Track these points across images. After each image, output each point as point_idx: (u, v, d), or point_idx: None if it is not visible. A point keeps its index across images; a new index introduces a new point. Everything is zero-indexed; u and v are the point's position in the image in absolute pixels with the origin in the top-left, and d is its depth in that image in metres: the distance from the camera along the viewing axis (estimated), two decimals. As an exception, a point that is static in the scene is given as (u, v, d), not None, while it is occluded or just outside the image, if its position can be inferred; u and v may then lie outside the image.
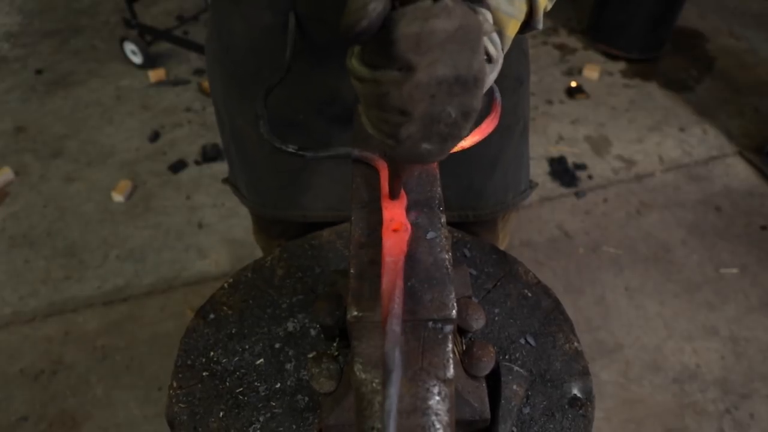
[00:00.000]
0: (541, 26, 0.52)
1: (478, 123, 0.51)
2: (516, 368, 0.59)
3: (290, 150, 0.57)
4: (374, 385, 0.44)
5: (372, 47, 0.35)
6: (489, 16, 0.46)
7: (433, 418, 0.42)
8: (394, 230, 0.48)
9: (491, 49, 0.46)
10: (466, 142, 0.54)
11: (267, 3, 0.68)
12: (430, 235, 0.48)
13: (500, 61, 0.48)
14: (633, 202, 2.14)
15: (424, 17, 0.32)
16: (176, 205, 2.16)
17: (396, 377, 0.35)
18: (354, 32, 0.31)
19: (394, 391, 0.34)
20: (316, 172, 0.84)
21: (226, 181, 1.02)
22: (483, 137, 0.55)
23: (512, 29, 0.49)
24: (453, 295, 0.45)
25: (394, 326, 0.37)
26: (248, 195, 0.93)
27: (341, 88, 0.72)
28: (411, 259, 0.47)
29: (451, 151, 0.49)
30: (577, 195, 2.16)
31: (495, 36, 0.47)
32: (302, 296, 0.71)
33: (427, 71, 0.33)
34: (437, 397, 0.43)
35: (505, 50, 0.49)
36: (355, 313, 0.45)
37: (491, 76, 0.47)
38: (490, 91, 0.56)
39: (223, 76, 0.82)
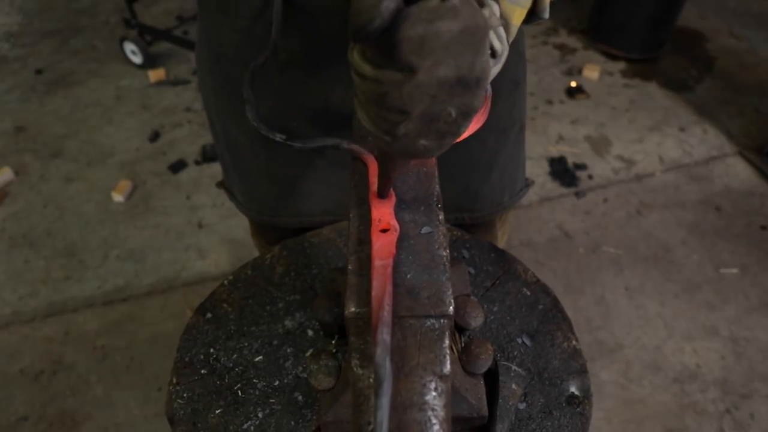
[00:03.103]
0: (547, 15, 0.51)
1: None
2: (515, 368, 0.59)
3: (278, 139, 0.55)
4: (371, 380, 0.44)
5: (374, 45, 0.33)
6: (496, 9, 0.45)
7: (429, 413, 0.42)
8: (382, 230, 0.47)
9: (496, 44, 0.45)
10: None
11: (257, 12, 0.66)
12: (425, 229, 0.48)
13: (504, 54, 0.47)
14: (633, 202, 2.14)
15: (429, 18, 0.30)
16: (176, 205, 2.16)
17: (387, 387, 0.34)
18: (366, 32, 0.30)
19: (385, 401, 0.34)
20: (312, 178, 0.83)
21: (221, 185, 1.00)
22: (472, 132, 0.54)
23: (518, 18, 0.48)
24: (450, 292, 0.45)
25: (385, 335, 0.36)
26: (244, 202, 0.93)
27: (334, 97, 0.71)
28: (409, 255, 0.47)
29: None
30: (577, 195, 2.16)
31: (501, 30, 0.46)
32: (301, 294, 0.71)
33: (429, 72, 0.32)
34: (433, 393, 0.43)
35: (510, 40, 0.48)
36: (353, 309, 0.45)
37: (494, 69, 0.47)
38: None
39: (214, 86, 0.80)
